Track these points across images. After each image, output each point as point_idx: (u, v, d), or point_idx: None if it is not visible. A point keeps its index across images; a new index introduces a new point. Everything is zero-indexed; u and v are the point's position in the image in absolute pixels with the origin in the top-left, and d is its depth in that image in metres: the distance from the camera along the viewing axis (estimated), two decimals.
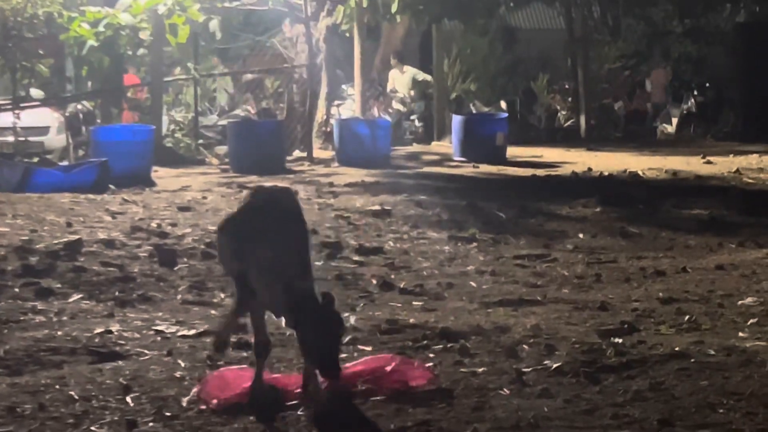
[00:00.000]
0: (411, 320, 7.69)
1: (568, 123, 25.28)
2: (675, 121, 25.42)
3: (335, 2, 20.61)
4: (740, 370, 6.35)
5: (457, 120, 20.00)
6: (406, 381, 6.01)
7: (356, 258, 10.30)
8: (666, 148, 21.93)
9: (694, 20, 27.14)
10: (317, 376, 5.61)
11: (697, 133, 24.49)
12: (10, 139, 17.88)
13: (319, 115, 20.94)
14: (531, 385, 6.14)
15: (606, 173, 17.12)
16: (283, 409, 5.68)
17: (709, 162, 18.80)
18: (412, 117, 23.58)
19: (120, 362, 6.62)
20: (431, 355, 6.75)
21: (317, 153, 19.62)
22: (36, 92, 19.96)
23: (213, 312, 8.03)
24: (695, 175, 17.04)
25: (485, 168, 18.18)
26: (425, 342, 7.06)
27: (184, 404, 5.76)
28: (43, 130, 18.94)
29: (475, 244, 11.45)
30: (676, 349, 6.76)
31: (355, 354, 6.68)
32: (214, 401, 5.65)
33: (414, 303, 8.58)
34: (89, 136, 17.60)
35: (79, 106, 20.38)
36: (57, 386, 6.04)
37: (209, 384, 5.86)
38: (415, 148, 21.78)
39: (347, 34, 21.68)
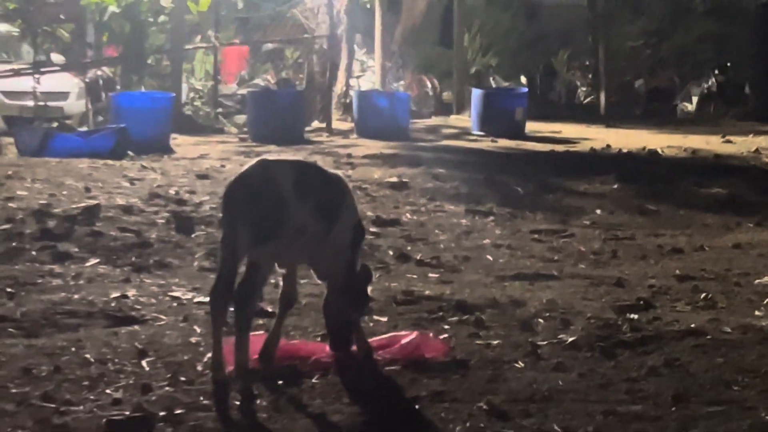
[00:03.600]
0: (427, 292, 7.70)
1: (588, 99, 25.18)
2: (695, 99, 25.29)
3: None
4: (756, 347, 6.35)
5: (476, 94, 19.96)
6: (422, 353, 6.03)
7: (373, 229, 10.28)
8: (686, 126, 21.85)
9: None
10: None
11: (717, 112, 24.35)
12: (30, 103, 17.89)
13: (339, 86, 20.91)
14: (545, 358, 6.14)
15: (625, 150, 17.07)
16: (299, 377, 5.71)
17: (728, 141, 18.73)
18: None
19: (136, 327, 6.65)
20: (446, 327, 6.76)
21: (336, 124, 19.61)
22: (56, 57, 19.99)
23: None
24: (714, 154, 16.97)
25: (504, 142, 18.15)
26: (441, 314, 7.07)
27: (199, 369, 5.78)
28: (63, 96, 18.92)
29: (492, 218, 11.45)
30: (692, 326, 6.76)
31: (371, 324, 6.69)
32: (230, 367, 5.66)
33: (430, 275, 8.59)
34: (109, 102, 17.63)
35: (100, 72, 20.40)
36: (73, 349, 6.07)
37: (225, 350, 5.86)
38: (434, 121, 21.74)
39: (368, 6, 21.63)
